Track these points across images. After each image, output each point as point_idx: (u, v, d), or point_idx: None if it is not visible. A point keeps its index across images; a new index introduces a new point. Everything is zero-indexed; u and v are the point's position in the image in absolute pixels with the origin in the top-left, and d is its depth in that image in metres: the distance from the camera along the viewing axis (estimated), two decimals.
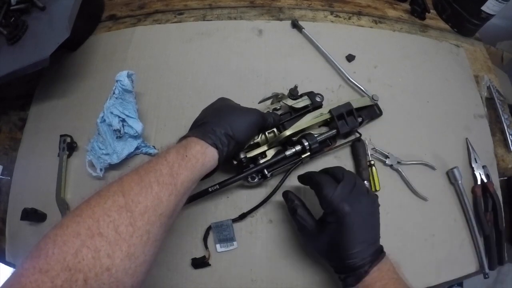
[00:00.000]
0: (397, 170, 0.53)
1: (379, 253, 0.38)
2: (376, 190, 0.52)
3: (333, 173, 0.41)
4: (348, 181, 0.39)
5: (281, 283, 0.47)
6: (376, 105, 0.57)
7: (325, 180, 0.40)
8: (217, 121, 0.40)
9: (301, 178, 0.45)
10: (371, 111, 0.56)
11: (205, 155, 0.36)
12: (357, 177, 0.42)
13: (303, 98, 0.52)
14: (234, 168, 0.49)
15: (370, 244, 0.38)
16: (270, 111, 0.50)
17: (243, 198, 0.50)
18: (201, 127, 0.40)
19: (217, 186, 0.45)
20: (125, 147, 0.50)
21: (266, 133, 0.49)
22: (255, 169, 0.46)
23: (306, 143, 0.47)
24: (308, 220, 0.41)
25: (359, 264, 0.37)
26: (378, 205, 0.41)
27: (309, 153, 0.48)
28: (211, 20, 0.66)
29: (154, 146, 0.53)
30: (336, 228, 0.38)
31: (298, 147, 0.48)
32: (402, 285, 0.37)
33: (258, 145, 0.49)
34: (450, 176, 0.54)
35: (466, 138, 0.58)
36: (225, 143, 0.39)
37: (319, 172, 0.44)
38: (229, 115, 0.42)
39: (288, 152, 0.47)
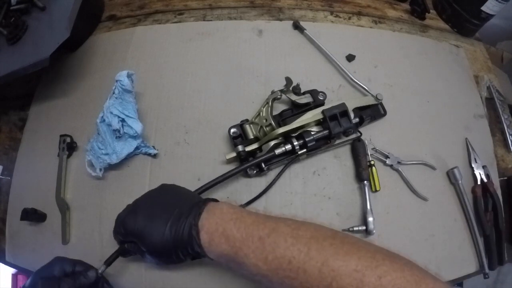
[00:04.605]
0: (397, 170, 0.53)
1: (197, 206, 0.37)
2: (376, 190, 0.52)
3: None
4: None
5: None
6: (381, 104, 0.57)
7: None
8: None
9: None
10: (374, 111, 0.56)
11: None
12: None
13: (305, 95, 0.53)
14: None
15: (174, 215, 0.36)
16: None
17: (243, 198, 0.50)
18: None
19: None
20: (125, 147, 0.50)
21: (265, 128, 0.50)
22: (253, 162, 0.47)
23: (295, 142, 0.48)
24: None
25: (182, 227, 0.35)
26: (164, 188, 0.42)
27: (305, 150, 0.49)
28: (211, 20, 0.66)
29: (154, 146, 0.53)
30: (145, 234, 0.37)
31: (289, 146, 0.49)
32: (244, 222, 0.35)
33: (257, 139, 0.50)
34: (450, 176, 0.54)
35: (466, 138, 0.58)
36: None
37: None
38: None
39: (278, 150, 0.48)
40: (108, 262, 0.39)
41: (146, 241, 0.37)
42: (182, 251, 0.37)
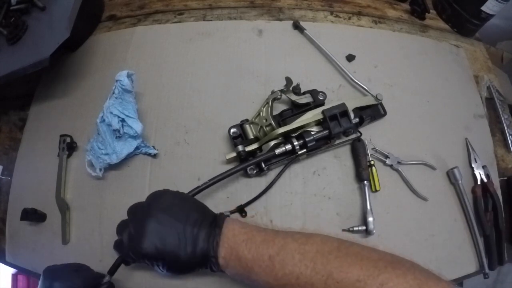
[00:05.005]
0: (397, 170, 0.53)
1: (213, 228, 0.37)
2: (376, 190, 0.52)
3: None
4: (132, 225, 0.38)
5: None
6: (381, 104, 0.57)
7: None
8: None
9: None
10: (374, 111, 0.56)
11: None
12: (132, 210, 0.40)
13: (305, 95, 0.53)
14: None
15: (194, 236, 0.36)
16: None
17: (243, 198, 0.50)
18: None
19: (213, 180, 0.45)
20: (125, 147, 0.50)
21: (265, 128, 0.50)
22: (253, 161, 0.47)
23: (295, 142, 0.48)
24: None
25: (205, 250, 0.36)
26: (169, 195, 0.40)
27: (305, 150, 0.49)
28: (211, 20, 0.66)
29: (154, 146, 0.53)
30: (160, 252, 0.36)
31: (289, 146, 0.48)
32: (255, 242, 0.36)
33: (257, 139, 0.50)
34: (450, 176, 0.54)
35: (466, 138, 0.58)
36: None
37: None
38: None
39: (278, 150, 0.48)
40: (111, 271, 0.40)
41: (169, 264, 0.37)
42: (201, 268, 0.39)
